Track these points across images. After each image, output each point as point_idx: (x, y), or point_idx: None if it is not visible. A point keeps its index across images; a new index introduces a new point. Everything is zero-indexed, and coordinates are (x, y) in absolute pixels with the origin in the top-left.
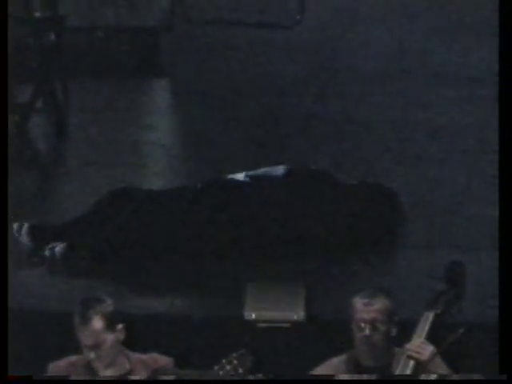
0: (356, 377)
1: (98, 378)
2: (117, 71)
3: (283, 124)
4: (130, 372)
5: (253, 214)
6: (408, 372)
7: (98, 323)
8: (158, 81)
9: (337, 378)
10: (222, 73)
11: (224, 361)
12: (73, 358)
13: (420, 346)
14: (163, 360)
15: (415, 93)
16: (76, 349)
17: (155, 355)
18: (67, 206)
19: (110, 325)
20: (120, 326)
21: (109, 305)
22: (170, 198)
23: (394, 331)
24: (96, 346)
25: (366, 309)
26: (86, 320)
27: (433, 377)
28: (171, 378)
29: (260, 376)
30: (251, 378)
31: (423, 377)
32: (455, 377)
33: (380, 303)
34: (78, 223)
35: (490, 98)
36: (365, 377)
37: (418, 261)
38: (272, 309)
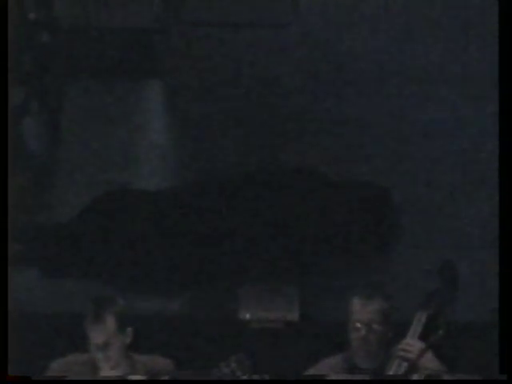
0: (356, 377)
1: (97, 378)
2: (110, 72)
3: (278, 123)
4: (131, 374)
5: (246, 214)
6: (401, 373)
7: (111, 323)
8: (152, 82)
9: (336, 378)
10: (215, 73)
11: (222, 364)
12: (74, 357)
13: (408, 343)
14: (163, 362)
15: (410, 92)
16: (68, 349)
17: (155, 357)
18: (61, 207)
19: (122, 326)
20: (129, 329)
21: (122, 306)
22: (164, 198)
23: (390, 333)
24: (106, 346)
25: (363, 310)
26: (99, 318)
27: (416, 376)
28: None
29: (256, 376)
30: (246, 377)
31: (418, 376)
32: (456, 377)
33: (377, 304)
34: (72, 224)
35: (486, 97)
36: (363, 377)
37: (412, 261)
38: (266, 309)
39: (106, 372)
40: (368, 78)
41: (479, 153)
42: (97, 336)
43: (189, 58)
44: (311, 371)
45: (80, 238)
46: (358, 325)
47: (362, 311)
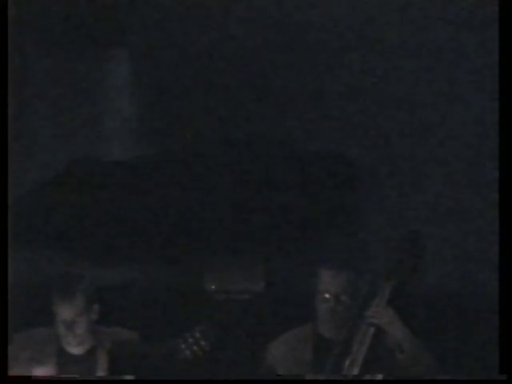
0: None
1: (98, 378)
2: (76, 41)
3: (244, 94)
4: (96, 346)
5: (213, 186)
6: (368, 339)
7: (80, 300)
8: (117, 51)
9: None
10: (182, 42)
11: (187, 334)
12: (37, 331)
13: (379, 310)
14: (127, 334)
15: (374, 64)
16: (32, 322)
17: (119, 329)
18: (27, 178)
19: (89, 304)
20: (96, 305)
21: (90, 283)
22: (130, 170)
23: (357, 304)
24: (73, 323)
25: (332, 281)
26: (68, 295)
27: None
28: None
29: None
30: (209, 347)
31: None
32: (455, 377)
33: (345, 276)
34: (37, 195)
35: (448, 66)
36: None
37: (381, 233)
38: (232, 280)
39: (72, 348)
40: (334, 49)
41: (448, 125)
42: (65, 313)
43: (156, 27)
44: (277, 342)
45: (45, 209)
46: (327, 296)
47: (331, 282)
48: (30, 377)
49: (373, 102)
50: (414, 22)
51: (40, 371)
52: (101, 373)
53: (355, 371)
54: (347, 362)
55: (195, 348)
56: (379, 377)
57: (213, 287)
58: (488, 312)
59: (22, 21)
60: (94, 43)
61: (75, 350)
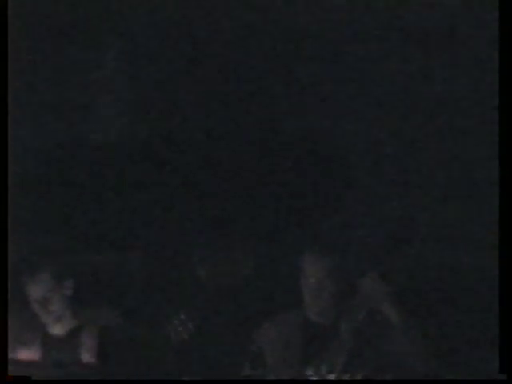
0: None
1: (98, 378)
2: (67, 26)
3: (233, 77)
4: (79, 328)
5: (203, 167)
6: (362, 315)
7: (46, 276)
8: (109, 34)
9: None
10: (174, 29)
11: (174, 317)
12: (22, 313)
13: (373, 285)
14: (112, 316)
15: (373, 59)
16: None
17: (103, 311)
18: (16, 157)
19: (60, 279)
20: (69, 281)
21: (59, 259)
22: (119, 150)
23: (343, 288)
24: (45, 300)
25: (317, 265)
26: (34, 272)
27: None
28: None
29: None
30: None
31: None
32: (455, 377)
33: (331, 260)
34: (27, 175)
35: (426, 47)
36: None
37: (366, 217)
38: (221, 264)
39: (52, 328)
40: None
41: (438, 102)
42: (34, 291)
43: (147, 10)
44: (265, 326)
45: (34, 189)
46: (312, 280)
47: (316, 267)
48: (30, 377)
49: (357, 84)
50: (413, 19)
51: (25, 354)
52: (86, 355)
53: (346, 348)
54: (335, 343)
55: (180, 329)
56: (359, 376)
57: (200, 271)
58: (488, 311)
59: (14, 7)
60: (86, 29)
61: (56, 329)
